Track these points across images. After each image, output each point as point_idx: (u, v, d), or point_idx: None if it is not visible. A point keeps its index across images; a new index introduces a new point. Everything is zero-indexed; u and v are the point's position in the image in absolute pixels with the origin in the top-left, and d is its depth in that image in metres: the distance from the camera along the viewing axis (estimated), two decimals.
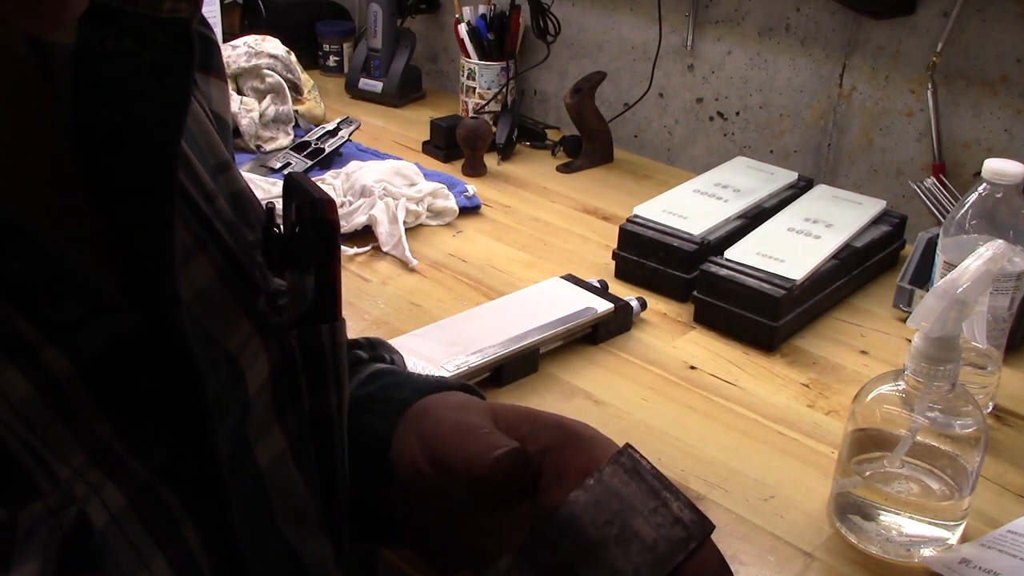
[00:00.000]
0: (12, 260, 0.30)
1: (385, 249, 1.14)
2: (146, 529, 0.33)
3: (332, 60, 1.83)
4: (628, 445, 0.42)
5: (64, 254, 0.32)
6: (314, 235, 0.42)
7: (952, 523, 0.71)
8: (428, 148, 1.47)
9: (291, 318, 0.42)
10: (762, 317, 0.96)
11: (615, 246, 1.11)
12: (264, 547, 0.41)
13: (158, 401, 0.35)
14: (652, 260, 1.08)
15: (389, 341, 0.88)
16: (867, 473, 0.71)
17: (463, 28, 1.59)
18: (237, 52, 1.45)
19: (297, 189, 0.43)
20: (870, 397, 0.71)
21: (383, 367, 0.59)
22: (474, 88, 1.60)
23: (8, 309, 0.30)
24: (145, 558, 0.33)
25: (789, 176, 1.24)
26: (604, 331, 0.97)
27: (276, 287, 0.43)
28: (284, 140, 1.42)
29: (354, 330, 0.97)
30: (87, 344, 0.32)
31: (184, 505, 0.35)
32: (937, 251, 0.94)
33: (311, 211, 0.41)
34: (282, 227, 0.44)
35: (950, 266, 0.84)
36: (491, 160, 1.44)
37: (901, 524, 0.70)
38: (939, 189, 1.17)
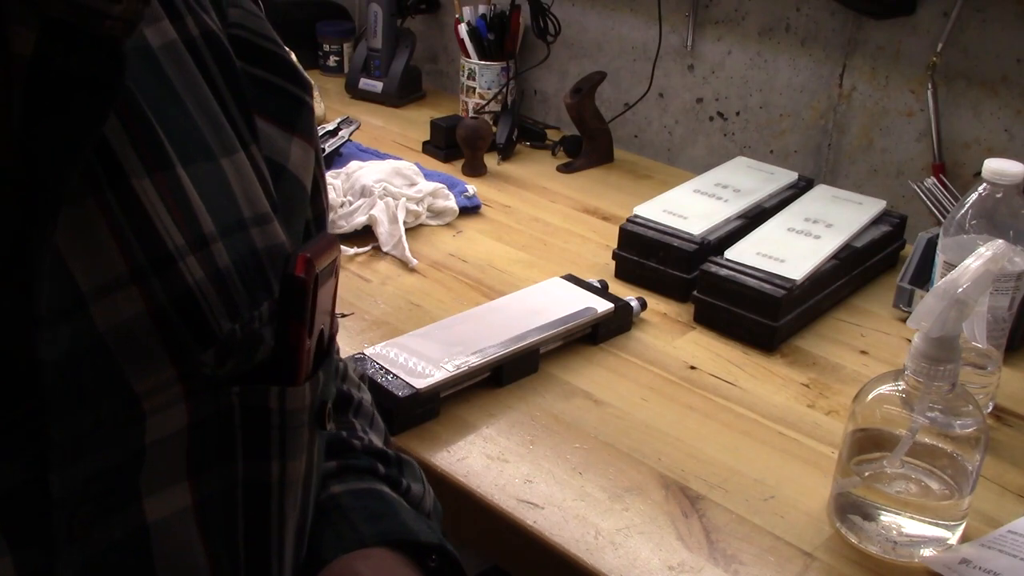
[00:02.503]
0: None
1: (385, 249, 1.14)
2: None
3: (332, 60, 1.83)
4: None
5: None
6: (280, 291, 0.41)
7: (952, 523, 0.71)
8: (428, 148, 1.47)
9: (229, 374, 0.40)
10: (762, 317, 0.96)
11: (615, 246, 1.11)
12: None
13: (3, 428, 0.34)
14: (652, 260, 1.08)
15: (388, 341, 0.89)
16: (867, 473, 0.71)
17: (463, 28, 1.59)
18: None
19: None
20: (870, 397, 0.71)
21: (382, 490, 0.56)
22: (474, 88, 1.60)
23: None
24: None
25: (789, 176, 1.24)
26: (604, 331, 0.97)
27: (258, 342, 0.41)
28: None
29: (354, 330, 0.98)
30: None
31: (7, 538, 0.34)
32: (937, 251, 0.94)
33: (284, 266, 0.41)
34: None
35: (950, 266, 0.84)
36: (491, 160, 1.44)
37: (901, 524, 0.70)
38: (939, 189, 1.17)
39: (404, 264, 1.12)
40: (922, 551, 0.70)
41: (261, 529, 0.43)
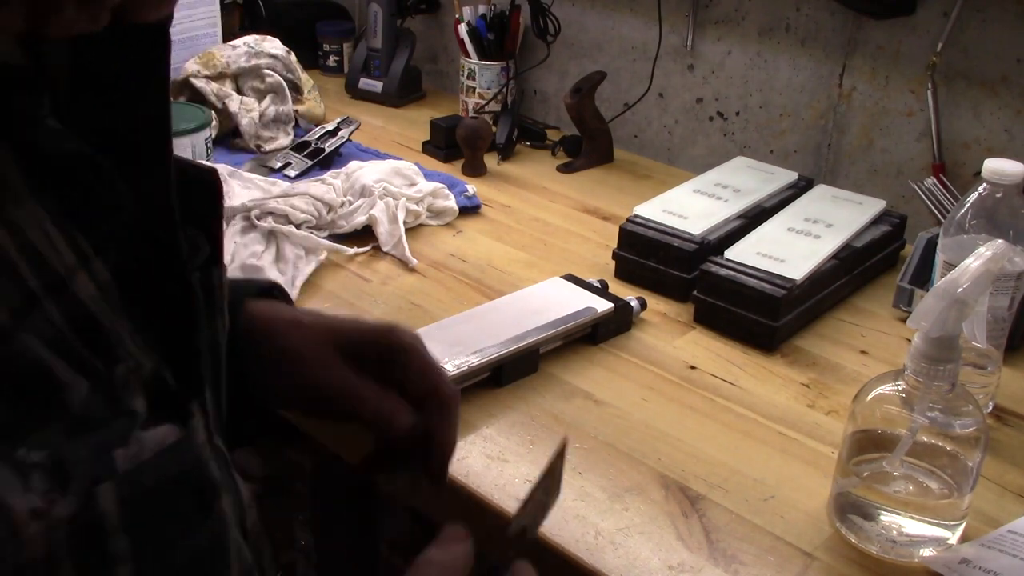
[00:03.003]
0: (76, 189, 0.42)
1: (385, 249, 1.14)
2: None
3: (332, 60, 1.83)
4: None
5: (121, 196, 0.45)
6: (205, 196, 0.53)
7: (952, 523, 0.71)
8: (428, 148, 1.47)
9: (197, 264, 0.52)
10: (762, 317, 0.96)
11: (615, 246, 1.11)
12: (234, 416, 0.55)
13: (159, 310, 0.46)
14: (652, 260, 1.08)
15: None
16: (867, 473, 0.71)
17: (463, 28, 1.59)
18: (237, 52, 1.45)
19: (184, 164, 0.53)
20: (870, 397, 0.71)
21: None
22: (474, 88, 1.60)
23: (73, 231, 0.41)
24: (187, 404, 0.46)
25: (789, 176, 1.24)
26: (604, 331, 0.97)
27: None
28: (284, 140, 1.42)
29: None
30: (116, 262, 0.44)
31: (191, 390, 0.47)
32: (937, 251, 0.94)
33: (198, 176, 0.53)
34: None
35: (950, 266, 0.85)
36: (491, 160, 1.44)
37: (901, 524, 0.70)
38: (939, 189, 1.17)
39: (404, 264, 1.12)
40: (922, 551, 0.70)
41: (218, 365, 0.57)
